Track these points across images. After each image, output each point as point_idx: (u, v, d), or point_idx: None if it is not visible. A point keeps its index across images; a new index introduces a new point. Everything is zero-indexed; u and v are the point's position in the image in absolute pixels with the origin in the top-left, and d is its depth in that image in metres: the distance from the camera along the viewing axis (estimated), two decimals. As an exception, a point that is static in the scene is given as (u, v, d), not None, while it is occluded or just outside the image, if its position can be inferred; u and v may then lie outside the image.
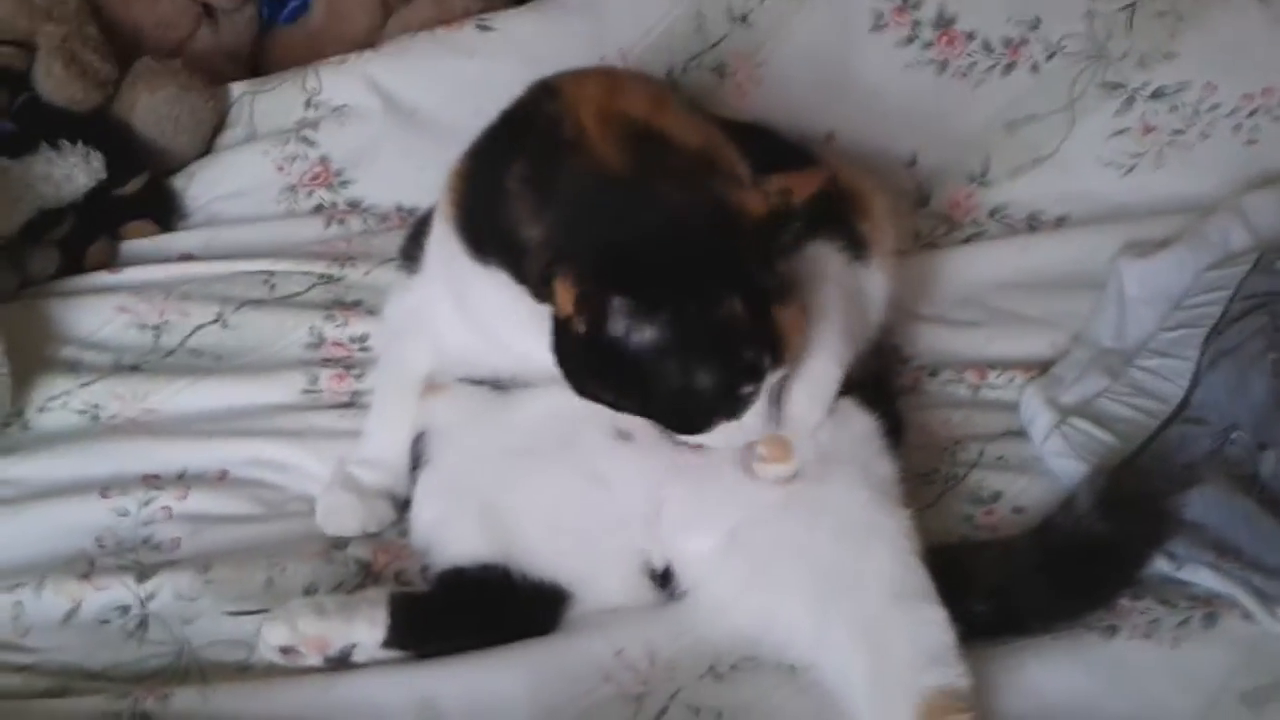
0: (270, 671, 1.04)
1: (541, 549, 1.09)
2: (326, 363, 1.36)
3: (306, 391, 1.33)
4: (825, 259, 1.15)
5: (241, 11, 1.74)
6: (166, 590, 1.10)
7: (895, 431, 1.14)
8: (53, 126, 1.49)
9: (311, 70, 1.60)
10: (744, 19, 1.56)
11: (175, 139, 1.60)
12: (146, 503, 1.20)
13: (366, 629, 1.04)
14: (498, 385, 1.14)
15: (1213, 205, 1.42)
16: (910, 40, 1.54)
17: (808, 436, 1.07)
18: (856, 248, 1.18)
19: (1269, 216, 1.34)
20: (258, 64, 1.76)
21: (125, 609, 1.09)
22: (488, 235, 1.05)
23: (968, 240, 1.49)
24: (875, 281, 1.19)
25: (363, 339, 1.39)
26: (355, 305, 1.42)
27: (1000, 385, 1.30)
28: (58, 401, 1.31)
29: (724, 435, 1.01)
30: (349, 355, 1.38)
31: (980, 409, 1.28)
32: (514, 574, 1.08)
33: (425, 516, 1.13)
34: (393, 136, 1.57)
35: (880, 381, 1.19)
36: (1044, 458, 1.20)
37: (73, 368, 1.35)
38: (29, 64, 1.54)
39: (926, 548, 1.04)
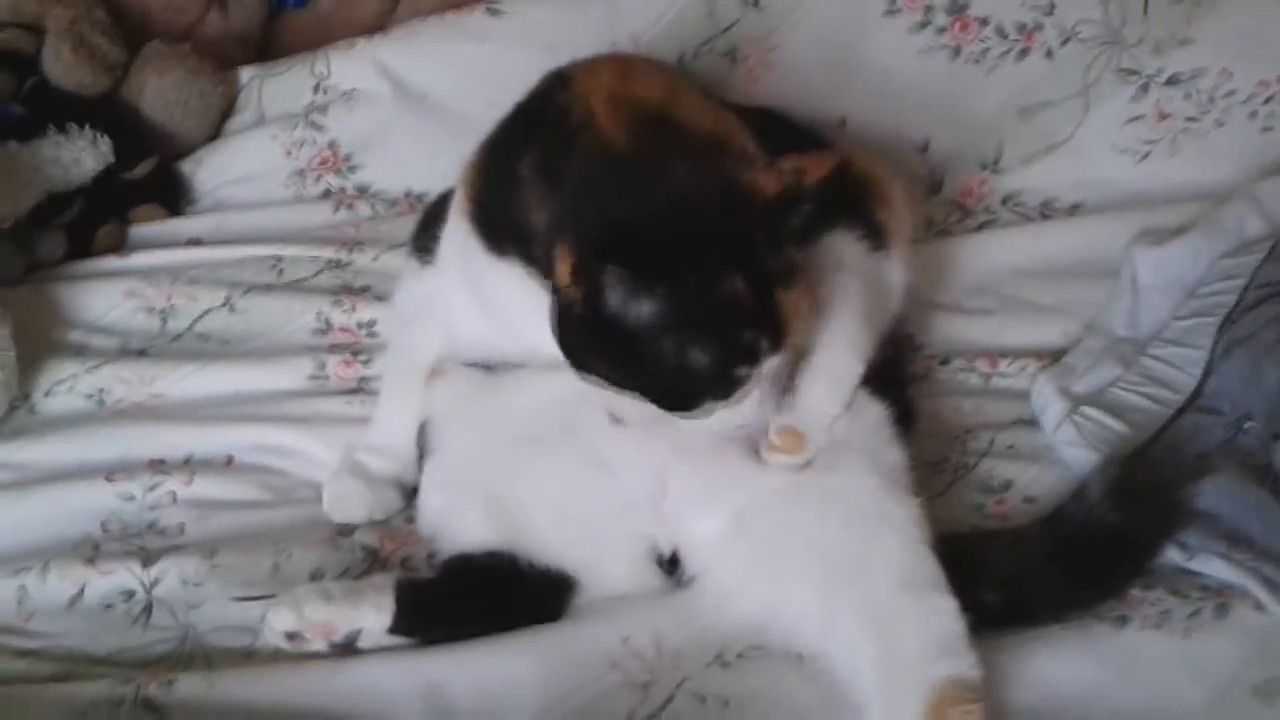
0: (275, 657, 1.04)
1: (547, 536, 1.08)
2: (334, 348, 1.36)
3: (314, 377, 1.33)
4: (845, 248, 1.14)
5: (250, -5, 1.73)
6: (171, 575, 1.10)
7: (906, 419, 1.13)
8: (61, 110, 1.49)
9: (321, 55, 1.60)
10: (756, 3, 1.55)
11: (184, 123, 1.59)
12: (152, 488, 1.19)
13: (373, 615, 1.04)
14: (501, 368, 1.13)
15: (1228, 192, 1.40)
16: (923, 25, 1.53)
17: (824, 429, 1.06)
18: (875, 237, 1.17)
19: (1285, 203, 1.33)
20: (267, 49, 1.75)
21: (130, 594, 1.09)
22: (502, 226, 1.05)
23: (980, 228, 1.48)
24: (894, 271, 1.19)
25: (370, 324, 1.38)
26: (363, 291, 1.42)
27: (1012, 374, 1.29)
28: (64, 386, 1.31)
29: (717, 417, 1.00)
30: (356, 341, 1.37)
31: (992, 397, 1.27)
32: (520, 561, 1.07)
33: (432, 504, 1.13)
34: (402, 121, 1.57)
35: (892, 369, 1.18)
36: (1055, 446, 1.19)
37: (79, 352, 1.35)
38: (38, 47, 1.53)
39: (937, 536, 1.03)
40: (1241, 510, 1.06)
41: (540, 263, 1.01)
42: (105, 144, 1.49)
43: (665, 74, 1.11)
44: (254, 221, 1.52)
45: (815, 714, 0.99)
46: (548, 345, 1.00)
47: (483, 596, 1.07)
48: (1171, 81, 1.47)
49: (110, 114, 1.53)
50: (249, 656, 1.05)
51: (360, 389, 1.31)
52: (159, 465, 1.22)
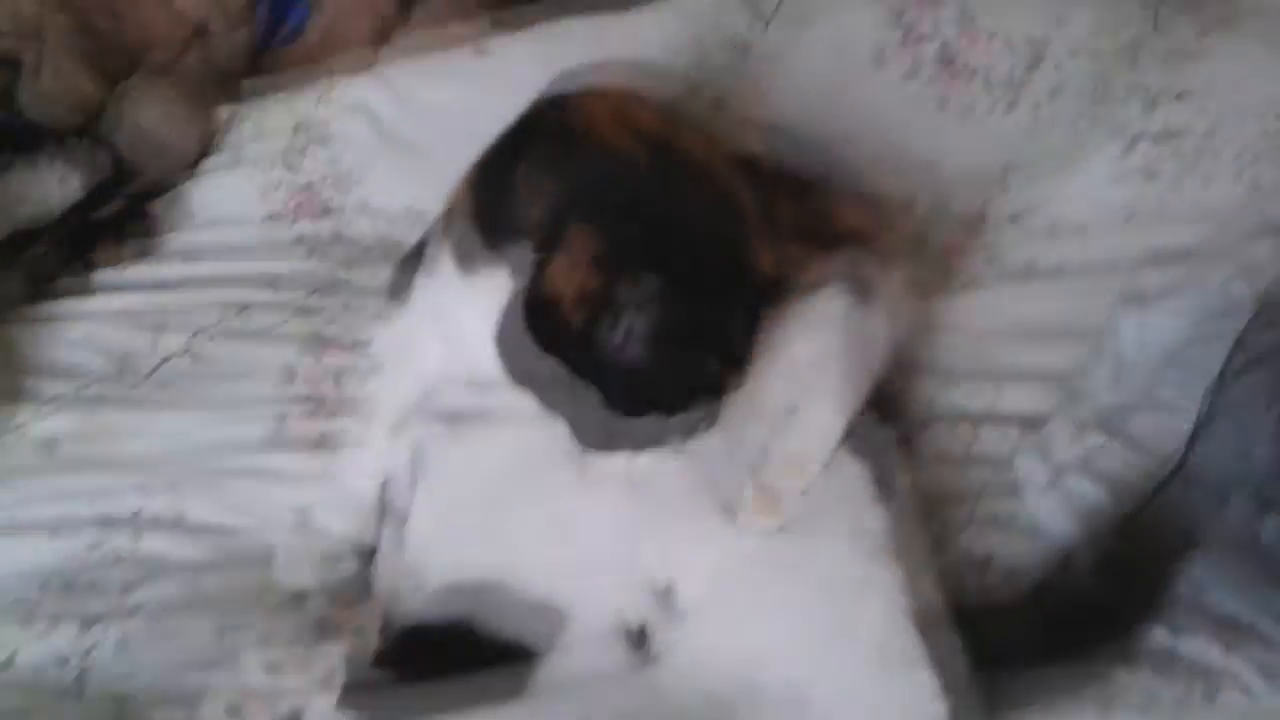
0: (216, 734, 0.99)
1: (509, 605, 1.04)
2: (297, 400, 1.32)
3: (275, 430, 1.29)
4: (830, 302, 1.11)
5: (235, 33, 1.70)
6: (110, 641, 1.06)
7: (887, 481, 1.09)
8: (33, 144, 1.46)
9: (301, 94, 1.57)
10: (744, 50, 1.52)
11: (159, 160, 1.56)
12: (96, 545, 1.15)
13: (320, 688, 0.99)
14: (467, 421, 1.09)
15: (1213, 253, 1.36)
16: (912, 75, 1.49)
17: (800, 488, 1.02)
18: (860, 290, 1.14)
19: (1269, 267, 1.28)
20: (253, 91, 1.72)
21: (64, 660, 1.05)
22: (497, 224, 1.02)
23: (963, 287, 1.44)
24: (879, 326, 1.15)
25: (338, 374, 1.34)
26: (332, 340, 1.38)
27: (994, 440, 1.24)
28: (12, 436, 1.27)
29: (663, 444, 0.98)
30: (321, 392, 1.33)
31: (973, 465, 1.23)
32: (479, 632, 1.03)
33: (389, 569, 1.08)
34: (383, 162, 1.53)
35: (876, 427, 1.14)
36: (1038, 517, 1.15)
37: (34, 397, 1.31)
38: (13, 80, 1.50)
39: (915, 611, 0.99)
40: (1230, 587, 1.02)
41: (537, 236, 0.98)
42: (74, 179, 1.46)
43: (659, 103, 1.09)
44: (223, 265, 1.48)
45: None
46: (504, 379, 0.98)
47: (438, 671, 1.03)
48: (1159, 139, 1.44)
49: (85, 148, 1.49)
50: (187, 734, 1.00)
51: (322, 444, 1.27)
52: (105, 521, 1.18)
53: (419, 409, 1.12)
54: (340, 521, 1.16)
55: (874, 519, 1.05)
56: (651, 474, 1.02)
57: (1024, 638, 1.02)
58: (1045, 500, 1.15)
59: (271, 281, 1.45)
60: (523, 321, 0.97)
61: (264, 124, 1.57)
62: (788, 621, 1.00)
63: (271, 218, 1.52)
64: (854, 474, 1.07)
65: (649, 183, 0.96)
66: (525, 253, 0.99)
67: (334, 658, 1.01)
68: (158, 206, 1.55)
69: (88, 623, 1.07)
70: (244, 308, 1.41)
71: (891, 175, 1.48)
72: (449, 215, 1.10)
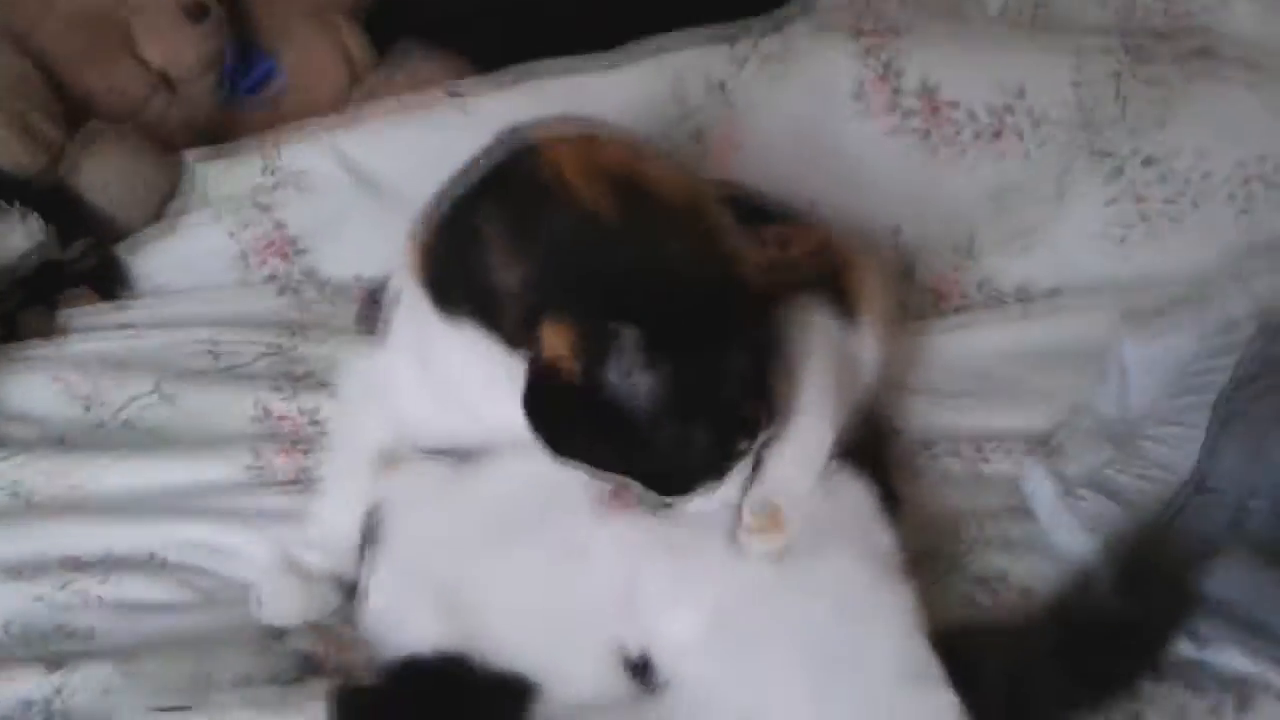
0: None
1: (506, 636, 0.98)
2: (272, 438, 1.26)
3: (249, 468, 1.23)
4: (814, 318, 1.08)
5: (200, 81, 1.67)
6: (79, 683, 0.99)
7: (890, 502, 1.05)
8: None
9: (271, 138, 1.54)
10: (722, 87, 1.51)
11: (123, 207, 1.52)
12: (64, 586, 1.09)
13: (304, 726, 0.93)
14: (461, 457, 1.05)
15: (1208, 276, 1.36)
16: (893, 109, 1.49)
17: (798, 504, 0.98)
18: (845, 308, 1.11)
19: (1269, 281, 1.28)
20: (220, 138, 1.69)
21: (29, 704, 0.98)
22: (458, 286, 0.97)
23: (956, 312, 1.42)
24: (864, 344, 1.13)
25: (313, 412, 1.29)
26: (306, 377, 1.33)
27: (999, 458, 1.22)
28: (-22, 481, 1.21)
29: (703, 498, 0.93)
30: (297, 430, 1.28)
31: (979, 484, 1.20)
32: (475, 664, 0.97)
33: (376, 600, 1.03)
34: (355, 207, 1.49)
35: (871, 450, 1.11)
36: (1050, 533, 1.12)
37: (1, 441, 1.25)
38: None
39: (932, 631, 0.95)
40: (1255, 595, 0.99)
41: (507, 327, 0.93)
42: (35, 223, 1.42)
43: (632, 141, 1.05)
44: (193, 306, 1.43)
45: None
46: (506, 423, 0.92)
47: (431, 704, 0.97)
48: (1147, 163, 1.43)
49: (47, 195, 1.45)
50: (164, 777, 0.93)
51: (300, 480, 1.22)
52: (73, 562, 1.12)
53: (413, 442, 1.07)
54: (320, 557, 1.10)
55: (881, 536, 1.02)
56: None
57: (1045, 659, 0.97)
58: (1057, 517, 1.12)
59: (242, 320, 1.40)
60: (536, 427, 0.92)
61: (233, 168, 1.53)
62: (798, 649, 0.95)
63: (241, 257, 1.48)
64: (856, 492, 1.04)
65: (621, 236, 0.91)
66: (486, 335, 0.95)
67: (319, 694, 0.95)
68: (123, 248, 1.51)
69: (55, 665, 1.00)
70: (213, 345, 1.36)
71: (876, 208, 1.48)
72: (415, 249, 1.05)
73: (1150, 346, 1.26)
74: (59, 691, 0.98)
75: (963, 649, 0.96)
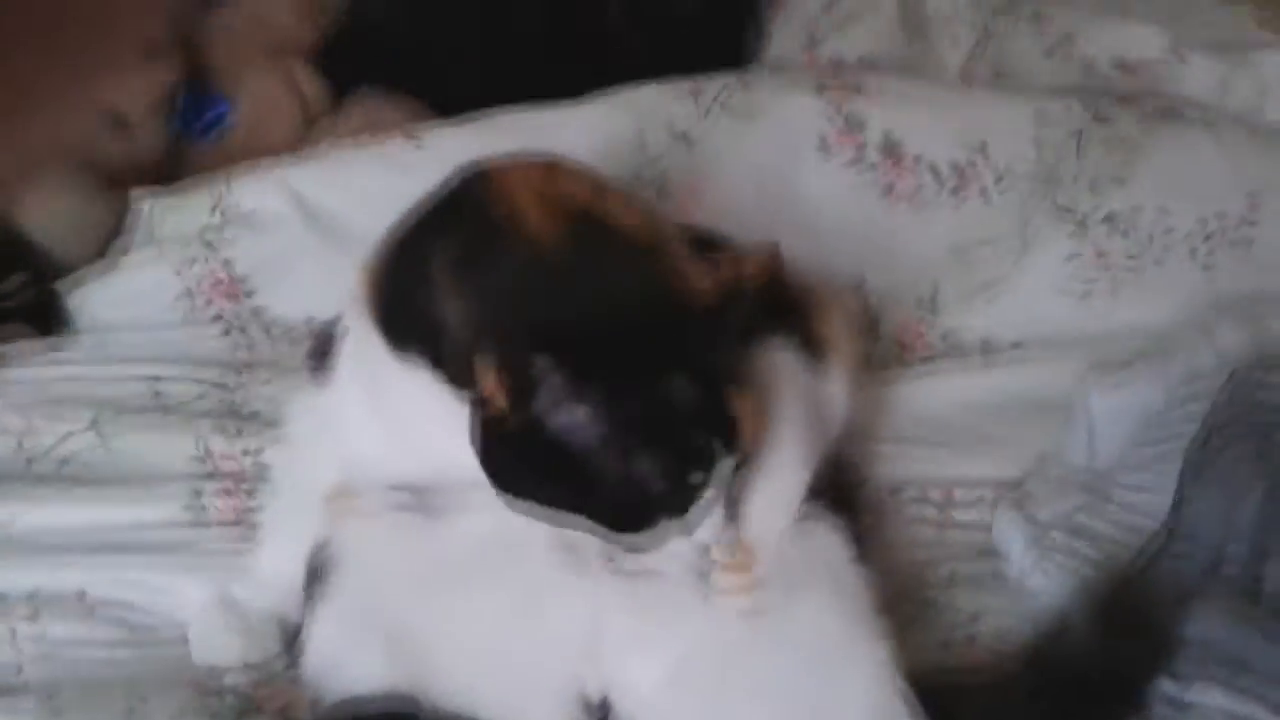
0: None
1: (459, 678, 0.93)
2: (213, 478, 1.21)
3: (188, 508, 1.18)
4: (782, 357, 1.06)
5: (152, 121, 1.64)
6: (-2, 722, 0.92)
7: (860, 545, 1.02)
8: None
9: (221, 177, 1.49)
10: (685, 136, 1.50)
11: (66, 243, 1.48)
12: (-14, 625, 1.02)
13: (242, 763, 0.87)
14: (417, 493, 1.00)
15: (1170, 331, 1.35)
16: (856, 162, 1.48)
17: (770, 542, 0.94)
18: (813, 348, 1.09)
19: (1234, 334, 1.27)
20: (170, 179, 1.64)
21: (-57, 745, 0.90)
22: (406, 321, 0.94)
23: (921, 361, 1.40)
24: (835, 386, 1.10)
25: (258, 453, 1.24)
26: (251, 417, 1.28)
27: (969, 503, 1.19)
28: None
29: (671, 536, 0.88)
30: (240, 471, 1.22)
31: (949, 529, 1.17)
32: (424, 707, 0.92)
33: (321, 637, 0.97)
34: (306, 247, 1.45)
35: (841, 494, 1.07)
36: (1023, 577, 1.09)
37: (-75, 480, 1.19)
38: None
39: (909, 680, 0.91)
40: (1237, 635, 0.96)
41: (452, 368, 0.90)
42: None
43: (590, 174, 1.03)
44: (134, 342, 1.37)
45: None
46: (457, 461, 0.88)
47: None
48: (1109, 219, 1.44)
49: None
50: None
51: (241, 521, 1.16)
52: (-1, 600, 1.05)
53: (365, 480, 1.03)
54: (262, 596, 1.04)
55: (853, 578, 0.98)
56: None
57: (1023, 705, 0.94)
58: (1030, 558, 1.10)
59: (186, 358, 1.35)
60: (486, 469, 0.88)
61: (182, 207, 1.49)
62: (766, 701, 0.92)
63: (187, 294, 1.42)
64: (827, 535, 1.00)
65: (561, 266, 0.89)
66: (434, 372, 0.92)
67: (258, 734, 0.89)
68: (63, 285, 1.45)
69: (-28, 705, 0.93)
70: (154, 381, 1.31)
71: (839, 259, 1.46)
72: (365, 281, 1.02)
73: (1117, 397, 1.25)
74: (-26, 733, 0.91)
75: (938, 697, 0.92)
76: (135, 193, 1.51)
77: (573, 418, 0.84)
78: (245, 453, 1.24)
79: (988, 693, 0.96)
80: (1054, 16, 1.63)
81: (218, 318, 1.42)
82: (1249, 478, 1.10)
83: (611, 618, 0.94)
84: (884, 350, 1.41)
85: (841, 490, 1.09)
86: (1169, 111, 1.50)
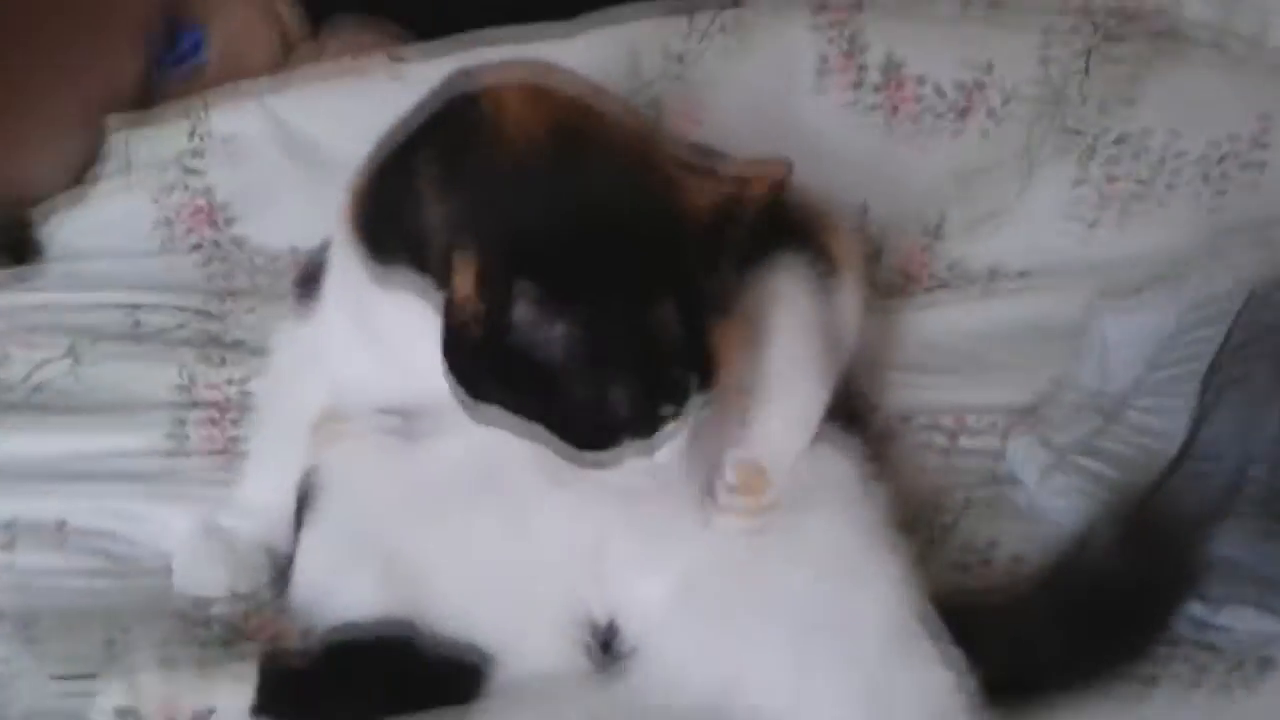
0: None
1: (456, 602, 0.90)
2: (197, 406, 1.16)
3: (171, 436, 1.13)
4: (793, 275, 1.01)
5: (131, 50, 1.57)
6: (-27, 660, 0.87)
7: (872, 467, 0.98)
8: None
9: (199, 102, 1.44)
10: (680, 59, 1.45)
11: (35, 172, 1.41)
12: (-42, 556, 0.97)
13: (230, 691, 0.83)
14: (407, 422, 0.96)
15: (1183, 257, 1.32)
16: (857, 85, 1.44)
17: (787, 465, 0.91)
18: (824, 262, 1.05)
19: (1248, 257, 1.24)
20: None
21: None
22: (391, 231, 0.90)
23: (927, 291, 1.36)
24: (847, 298, 1.06)
25: (243, 382, 1.19)
26: (236, 345, 1.23)
27: (981, 430, 1.16)
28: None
29: (634, 462, 0.84)
30: (224, 399, 1.18)
31: (961, 456, 1.14)
32: (421, 632, 0.88)
33: (312, 564, 0.93)
34: (288, 174, 1.40)
35: (853, 418, 1.04)
36: (1040, 502, 1.07)
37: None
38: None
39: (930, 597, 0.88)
40: (1267, 554, 0.93)
41: (434, 270, 0.86)
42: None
43: (582, 81, 0.98)
44: (109, 270, 1.32)
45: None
46: (441, 379, 0.84)
47: (372, 674, 0.87)
48: (1119, 141, 1.40)
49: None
50: (71, 753, 0.82)
51: (227, 450, 1.12)
52: (-30, 531, 1.00)
53: (353, 403, 0.98)
54: (248, 524, 1.00)
55: (867, 501, 0.95)
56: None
57: (1047, 627, 0.91)
58: (1047, 483, 1.07)
59: (165, 286, 1.30)
60: (450, 370, 0.84)
61: (159, 133, 1.43)
62: (782, 610, 0.88)
63: (165, 222, 1.37)
64: (840, 457, 0.96)
65: (548, 174, 0.84)
66: (418, 280, 0.87)
67: (244, 657, 0.85)
68: (35, 215, 1.39)
69: (-55, 640, 0.89)
70: (134, 309, 1.26)
71: (842, 187, 1.42)
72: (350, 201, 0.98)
73: (1130, 321, 1.22)
74: (-50, 666, 0.87)
75: (957, 620, 0.88)
76: (110, 118, 1.45)
77: (547, 334, 0.80)
78: (230, 382, 1.20)
79: (1008, 613, 0.93)
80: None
81: (197, 246, 1.37)
82: (1269, 397, 1.07)
83: (615, 539, 0.91)
84: (888, 280, 1.38)
85: (853, 414, 1.06)
86: (1177, 33, 1.46)
